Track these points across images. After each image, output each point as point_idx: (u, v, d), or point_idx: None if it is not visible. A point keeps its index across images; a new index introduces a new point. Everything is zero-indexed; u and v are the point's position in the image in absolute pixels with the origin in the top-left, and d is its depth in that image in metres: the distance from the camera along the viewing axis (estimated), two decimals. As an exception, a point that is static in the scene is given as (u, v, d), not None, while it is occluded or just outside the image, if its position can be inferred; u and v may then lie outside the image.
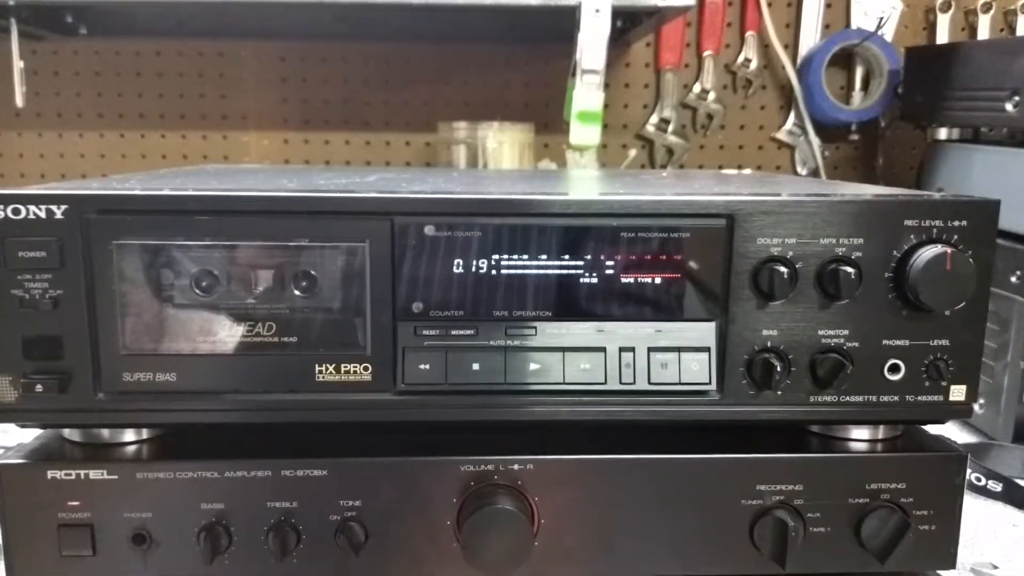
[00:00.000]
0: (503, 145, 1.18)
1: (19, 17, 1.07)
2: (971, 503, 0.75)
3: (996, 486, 0.78)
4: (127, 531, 0.54)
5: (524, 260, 0.53)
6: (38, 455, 0.55)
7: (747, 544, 0.56)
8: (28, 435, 0.59)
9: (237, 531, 0.55)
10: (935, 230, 0.53)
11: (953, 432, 0.90)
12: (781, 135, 1.35)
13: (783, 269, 0.53)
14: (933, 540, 0.56)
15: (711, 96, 1.33)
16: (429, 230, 0.53)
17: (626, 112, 1.34)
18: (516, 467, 0.55)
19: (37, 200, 0.50)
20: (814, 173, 1.35)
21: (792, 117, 1.34)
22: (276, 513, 0.55)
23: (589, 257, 0.54)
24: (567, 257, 0.54)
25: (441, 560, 0.56)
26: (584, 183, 0.76)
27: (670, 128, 1.34)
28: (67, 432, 0.57)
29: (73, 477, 0.54)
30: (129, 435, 0.57)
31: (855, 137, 1.34)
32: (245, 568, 0.55)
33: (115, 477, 0.54)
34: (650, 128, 1.34)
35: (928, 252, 0.52)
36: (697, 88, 1.33)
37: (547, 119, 1.30)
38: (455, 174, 0.83)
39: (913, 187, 1.29)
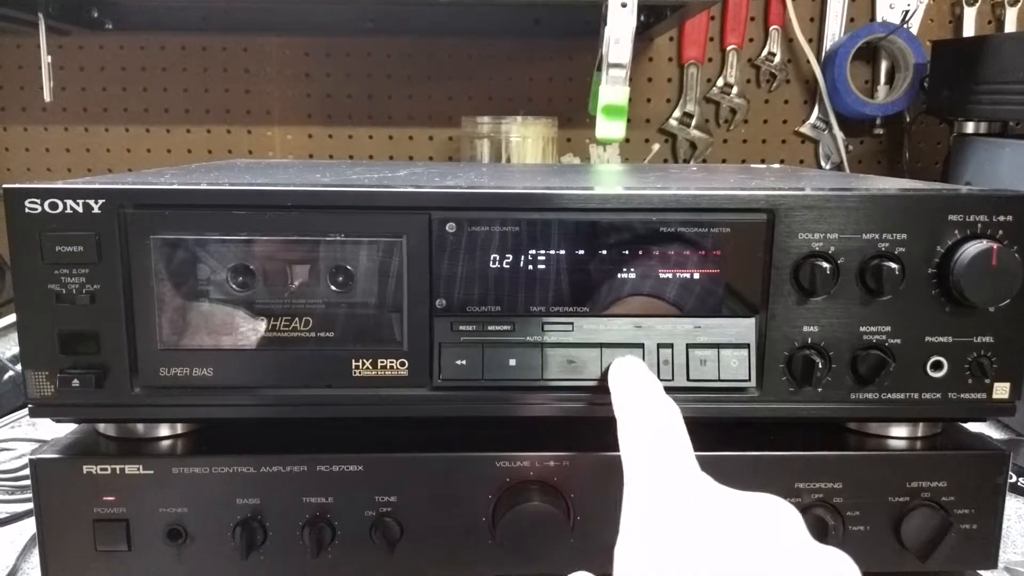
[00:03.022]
0: (527, 140, 1.17)
1: (46, 12, 1.07)
2: (1004, 501, 0.75)
3: (1028, 484, 0.77)
4: (162, 526, 0.54)
5: (561, 255, 0.53)
6: (73, 450, 0.55)
7: (786, 542, 0.55)
8: (62, 430, 0.59)
9: (272, 526, 0.54)
10: (979, 225, 0.52)
11: (982, 429, 0.89)
12: (805, 129, 1.34)
13: (825, 264, 0.52)
14: (974, 539, 0.55)
15: (734, 90, 1.32)
16: (467, 225, 0.52)
17: (649, 106, 1.33)
18: (552, 464, 0.55)
19: (74, 194, 0.50)
20: (838, 167, 1.34)
21: (816, 111, 1.33)
22: (311, 508, 0.54)
23: (627, 252, 0.53)
24: (605, 252, 0.53)
25: (476, 557, 0.55)
26: (615, 178, 0.76)
27: (693, 122, 1.33)
28: (102, 427, 0.57)
29: (108, 472, 0.54)
30: (164, 430, 0.57)
31: (880, 131, 1.33)
32: (280, 564, 0.55)
33: (151, 472, 0.54)
34: (673, 122, 1.33)
35: (973, 248, 0.51)
36: (720, 82, 1.32)
37: (570, 113, 1.30)
38: (484, 168, 0.83)
39: (939, 182, 1.28)
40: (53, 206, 0.50)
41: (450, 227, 0.52)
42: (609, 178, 0.75)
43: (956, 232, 0.52)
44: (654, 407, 0.45)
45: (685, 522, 0.36)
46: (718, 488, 0.39)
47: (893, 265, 0.52)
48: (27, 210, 0.50)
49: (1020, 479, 0.78)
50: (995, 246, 0.51)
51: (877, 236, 0.52)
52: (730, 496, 0.38)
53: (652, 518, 0.37)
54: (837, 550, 0.35)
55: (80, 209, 0.51)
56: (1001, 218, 0.52)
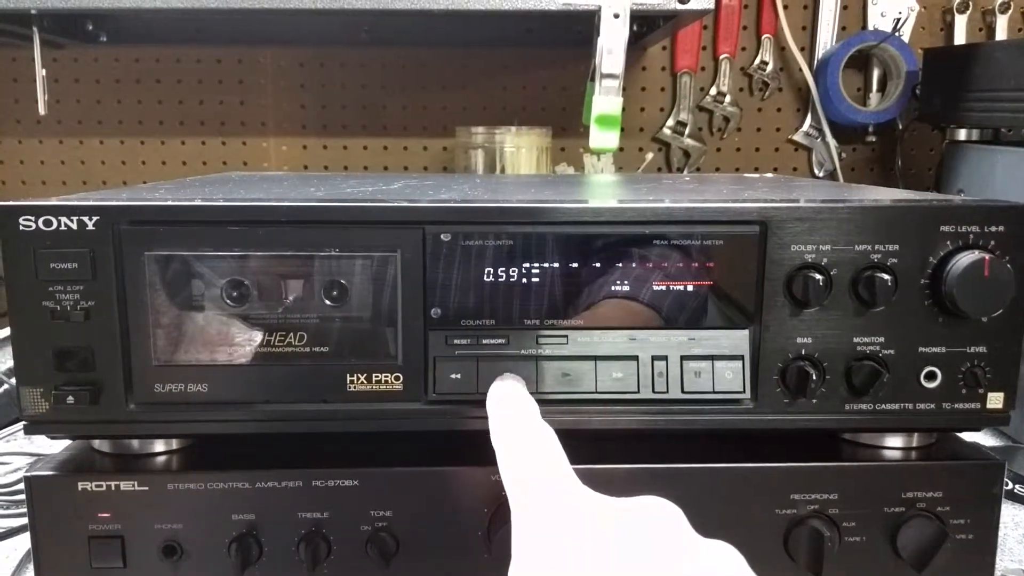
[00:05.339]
0: (521, 149, 1.17)
1: (41, 25, 1.07)
2: (1001, 509, 0.75)
3: (1024, 491, 0.78)
4: (158, 542, 0.54)
5: (555, 268, 0.53)
6: (68, 466, 0.55)
7: (782, 554, 0.55)
8: (58, 444, 0.59)
9: (268, 542, 0.54)
10: (972, 236, 0.52)
11: (978, 436, 0.89)
12: (798, 137, 1.35)
13: (817, 276, 0.52)
14: (970, 549, 0.55)
15: (727, 99, 1.33)
16: (460, 239, 0.52)
17: (642, 115, 1.34)
18: (548, 476, 0.54)
19: (68, 211, 0.50)
20: (831, 175, 1.34)
21: (809, 119, 1.34)
22: (307, 523, 0.54)
23: (620, 265, 0.53)
24: (599, 265, 0.53)
25: (472, 571, 0.55)
26: (610, 189, 0.76)
27: (687, 131, 1.33)
28: (97, 443, 0.57)
29: (103, 488, 0.54)
30: (159, 446, 0.57)
31: (872, 139, 1.34)
32: (276, 579, 0.55)
33: (145, 488, 0.54)
34: (667, 131, 1.34)
35: (965, 258, 0.51)
36: (713, 91, 1.33)
37: (564, 123, 1.30)
38: (478, 180, 0.83)
39: (932, 189, 1.28)
40: (47, 223, 0.50)
41: (446, 239, 0.52)
42: (602, 189, 0.75)
43: (948, 243, 0.52)
44: (530, 429, 0.46)
45: (573, 538, 0.37)
46: (601, 499, 0.40)
47: (886, 276, 0.52)
48: (21, 227, 0.50)
49: (1017, 486, 0.78)
50: (987, 256, 0.51)
51: (869, 247, 0.52)
52: (613, 505, 0.40)
53: (541, 539, 0.38)
54: (721, 542, 0.36)
55: (74, 226, 0.51)
56: (993, 228, 0.52)
